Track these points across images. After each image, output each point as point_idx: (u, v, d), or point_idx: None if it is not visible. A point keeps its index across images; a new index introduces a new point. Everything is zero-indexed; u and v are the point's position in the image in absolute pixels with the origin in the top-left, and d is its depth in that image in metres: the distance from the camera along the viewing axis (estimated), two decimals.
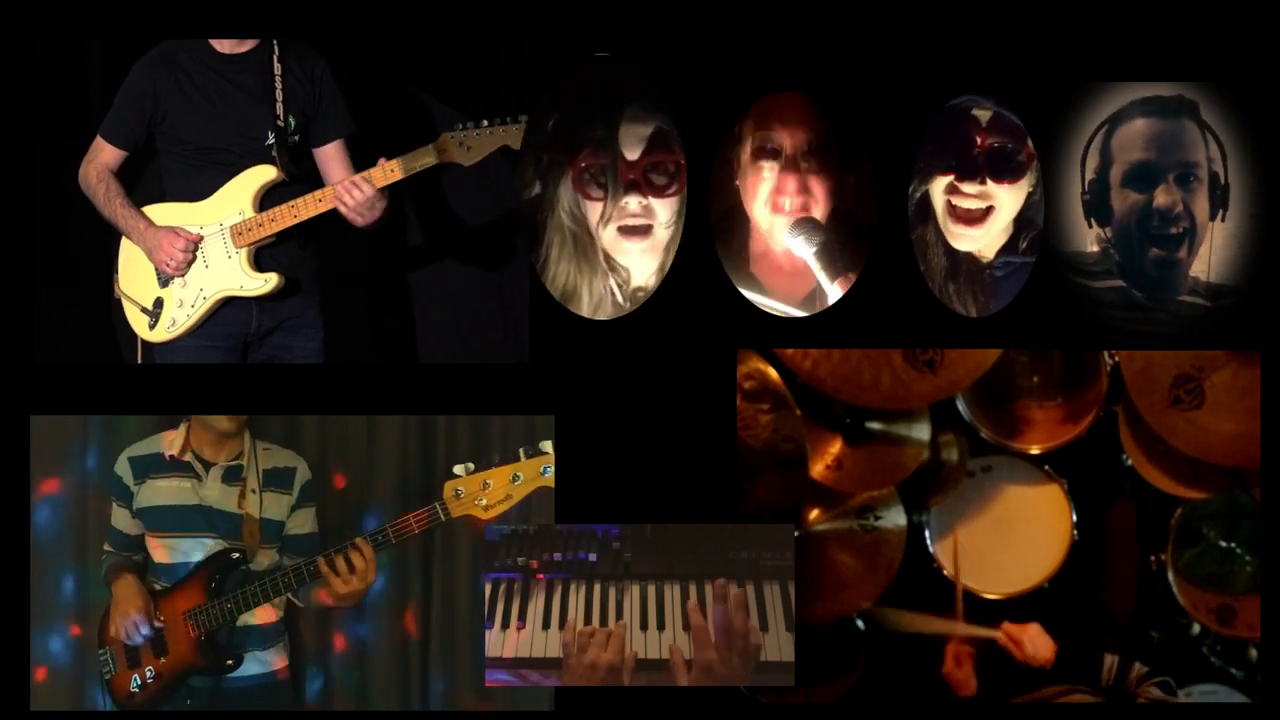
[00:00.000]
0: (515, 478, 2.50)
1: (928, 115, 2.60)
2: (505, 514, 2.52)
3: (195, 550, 2.60)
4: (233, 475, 2.63)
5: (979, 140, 2.60)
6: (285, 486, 2.67)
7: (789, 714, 2.65)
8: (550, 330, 2.64)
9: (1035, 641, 2.65)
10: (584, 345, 2.63)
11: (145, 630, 2.55)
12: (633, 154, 2.59)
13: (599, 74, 2.61)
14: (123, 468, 2.65)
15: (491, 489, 2.49)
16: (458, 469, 2.51)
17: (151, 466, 2.64)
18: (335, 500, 2.86)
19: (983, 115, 2.60)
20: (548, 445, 2.52)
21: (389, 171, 2.63)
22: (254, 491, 2.62)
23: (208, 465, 2.64)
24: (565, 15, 2.61)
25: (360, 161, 2.75)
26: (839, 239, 2.59)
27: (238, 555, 2.59)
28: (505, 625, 2.47)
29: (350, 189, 2.63)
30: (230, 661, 2.58)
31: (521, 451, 2.51)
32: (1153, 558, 2.73)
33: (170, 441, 2.64)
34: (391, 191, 2.69)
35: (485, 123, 2.60)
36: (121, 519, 2.66)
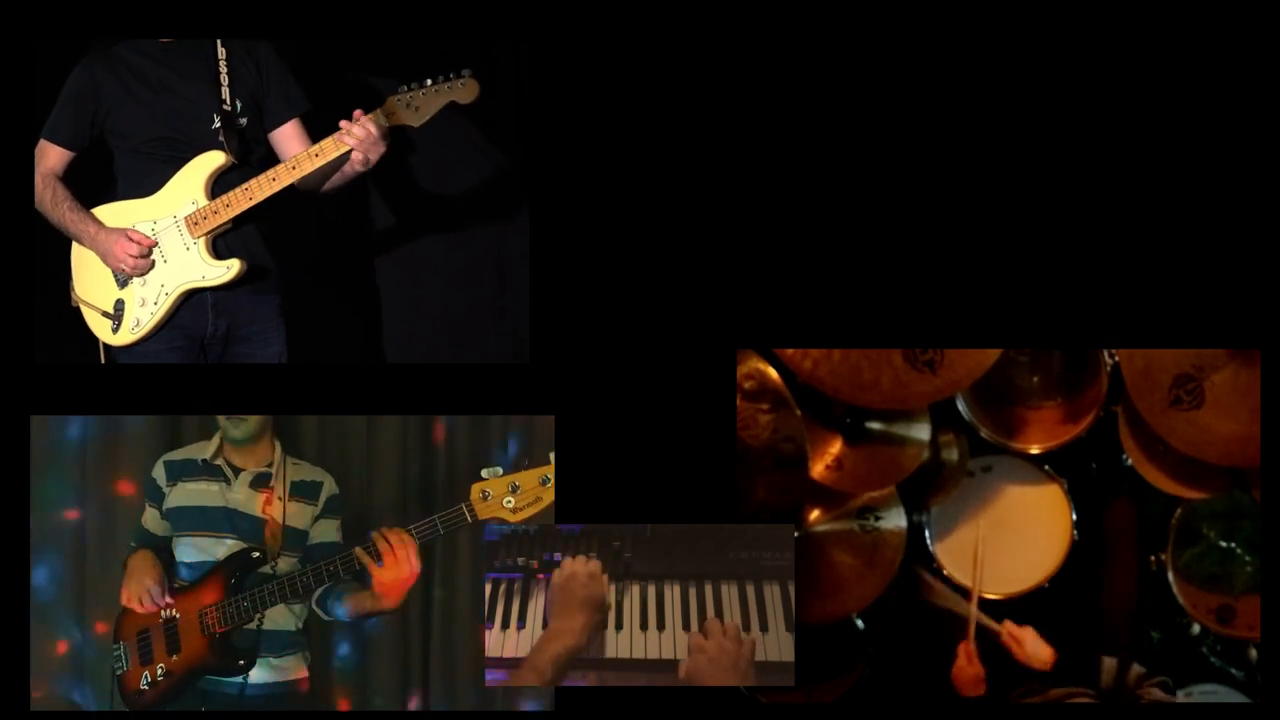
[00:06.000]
0: (545, 480, 2.47)
1: None
2: (533, 517, 2.49)
3: (216, 549, 2.60)
4: (261, 481, 2.64)
5: None
6: (311, 498, 2.67)
7: (789, 714, 2.65)
8: (550, 330, 2.64)
9: (1033, 643, 2.65)
10: (584, 345, 2.63)
11: (157, 597, 2.56)
12: None
13: None
14: (158, 471, 2.68)
15: (520, 491, 2.47)
16: (484, 472, 2.48)
17: (185, 470, 2.66)
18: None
19: None
20: None
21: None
22: (279, 499, 2.62)
23: (237, 471, 2.65)
24: (565, 15, 2.62)
25: (318, 139, 2.66)
26: None
27: (258, 555, 2.58)
28: (505, 625, 2.47)
29: (352, 126, 2.56)
30: (242, 662, 2.57)
31: (551, 455, 2.50)
32: (1153, 558, 2.73)
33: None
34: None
35: (430, 81, 2.58)
36: (151, 520, 2.68)
